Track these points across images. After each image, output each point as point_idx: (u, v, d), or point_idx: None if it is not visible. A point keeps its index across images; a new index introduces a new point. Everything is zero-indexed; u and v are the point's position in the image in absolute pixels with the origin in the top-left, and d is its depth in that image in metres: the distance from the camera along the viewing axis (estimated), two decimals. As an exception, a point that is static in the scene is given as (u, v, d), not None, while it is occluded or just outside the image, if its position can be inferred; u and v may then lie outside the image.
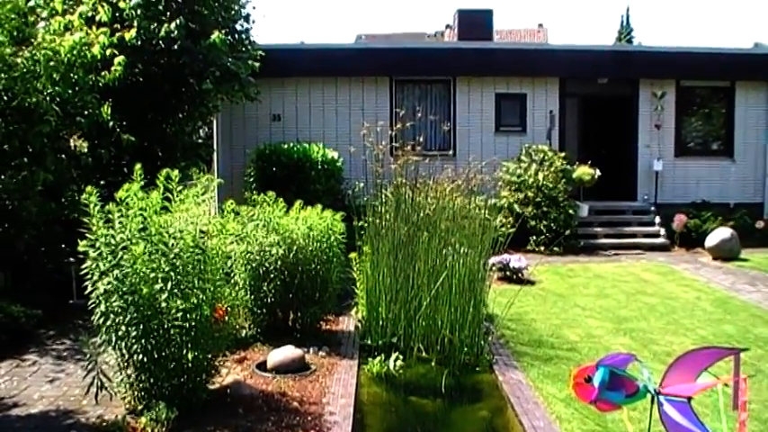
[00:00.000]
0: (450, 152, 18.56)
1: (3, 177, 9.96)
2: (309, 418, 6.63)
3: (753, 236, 17.67)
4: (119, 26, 12.00)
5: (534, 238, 16.85)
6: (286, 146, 15.81)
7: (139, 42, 11.93)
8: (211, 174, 17.96)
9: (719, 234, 16.36)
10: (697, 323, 10.52)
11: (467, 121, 19.04)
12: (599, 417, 6.57)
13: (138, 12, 12.04)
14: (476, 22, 22.61)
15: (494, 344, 9.23)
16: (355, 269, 9.74)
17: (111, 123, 12.09)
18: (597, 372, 4.62)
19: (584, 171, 17.75)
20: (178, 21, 12.06)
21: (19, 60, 9.86)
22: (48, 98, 10.30)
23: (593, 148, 19.68)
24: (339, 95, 18.73)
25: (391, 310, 8.96)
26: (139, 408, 6.49)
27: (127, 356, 6.41)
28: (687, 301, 11.93)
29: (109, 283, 6.19)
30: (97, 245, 6.25)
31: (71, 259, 10.03)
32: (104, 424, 6.30)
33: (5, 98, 9.90)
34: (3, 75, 9.75)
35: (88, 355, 6.62)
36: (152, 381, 6.47)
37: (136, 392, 6.56)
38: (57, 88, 10.44)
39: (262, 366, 8.00)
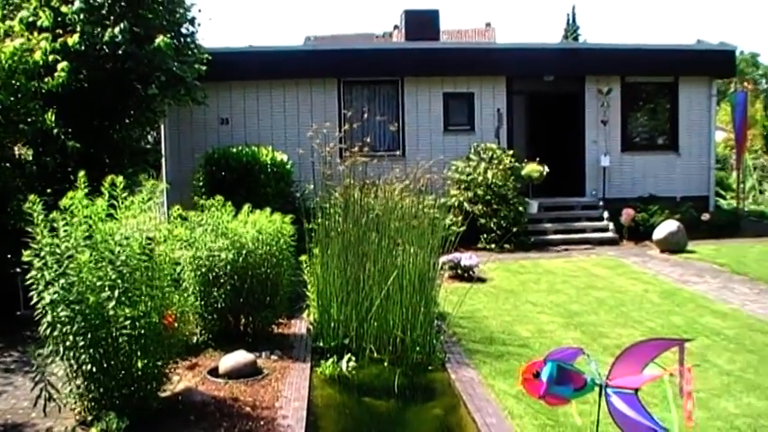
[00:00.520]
0: (400, 152, 18.65)
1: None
2: (262, 423, 6.61)
3: (699, 228, 18.00)
4: (61, 31, 11.80)
5: (485, 235, 16.94)
6: (235, 149, 15.68)
7: (83, 47, 11.74)
8: (160, 179, 17.80)
9: (666, 227, 16.65)
10: (646, 315, 10.69)
11: (415, 121, 19.10)
12: (550, 411, 6.65)
13: (81, 16, 11.84)
14: (422, 23, 22.63)
15: (446, 342, 9.28)
16: (306, 272, 9.73)
17: (55, 130, 11.88)
18: (545, 367, 4.67)
19: (532, 168, 17.89)
20: (122, 25, 11.90)
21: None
22: (-12, 106, 10.13)
23: (542, 145, 19.88)
24: (287, 98, 18.67)
25: (343, 312, 8.95)
26: (89, 418, 6.42)
27: (75, 367, 6.33)
28: (636, 294, 12.12)
29: (55, 292, 6.11)
30: (42, 254, 6.18)
31: (17, 269, 9.86)
32: (54, 436, 6.23)
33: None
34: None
35: (35, 367, 6.52)
36: (101, 390, 6.40)
37: (85, 403, 6.49)
38: (-2, 95, 10.27)
39: (214, 372, 7.94)
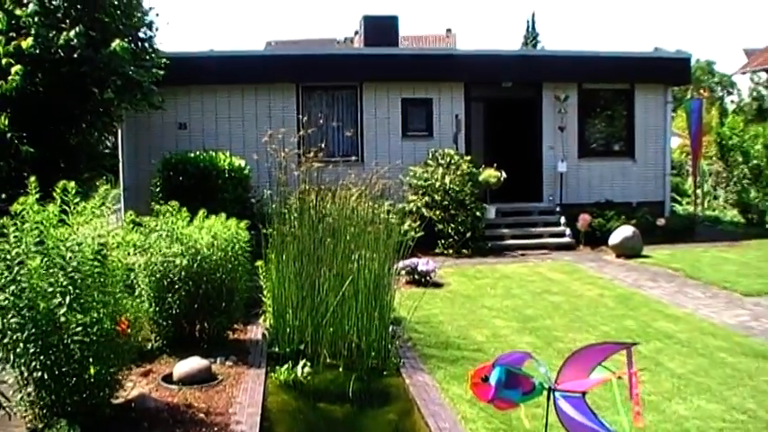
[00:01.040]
0: (358, 158, 18.66)
1: None
2: (216, 429, 6.60)
3: (654, 233, 18.21)
4: (15, 35, 11.71)
5: (443, 241, 17.02)
6: (192, 155, 15.56)
7: (38, 51, 11.66)
8: (118, 184, 17.67)
9: (622, 232, 16.84)
10: (600, 319, 10.81)
11: (374, 126, 19.14)
12: (503, 416, 6.69)
13: (36, 19, 11.76)
14: (382, 29, 22.71)
15: (401, 347, 9.32)
16: (262, 277, 9.71)
17: (9, 135, 11.77)
18: (494, 371, 4.71)
19: (490, 174, 17.99)
20: (78, 29, 11.83)
21: None
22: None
23: (500, 150, 19.97)
24: (246, 103, 18.62)
25: (298, 317, 8.94)
26: (40, 426, 6.34)
27: (26, 374, 6.25)
28: (591, 299, 12.26)
29: (5, 299, 6.03)
30: (-9, 260, 6.12)
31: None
32: (3, 445, 6.17)
33: None
34: None
35: (-16, 375, 6.46)
36: (53, 398, 6.32)
37: (37, 410, 6.40)
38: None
39: (167, 379, 7.90)
